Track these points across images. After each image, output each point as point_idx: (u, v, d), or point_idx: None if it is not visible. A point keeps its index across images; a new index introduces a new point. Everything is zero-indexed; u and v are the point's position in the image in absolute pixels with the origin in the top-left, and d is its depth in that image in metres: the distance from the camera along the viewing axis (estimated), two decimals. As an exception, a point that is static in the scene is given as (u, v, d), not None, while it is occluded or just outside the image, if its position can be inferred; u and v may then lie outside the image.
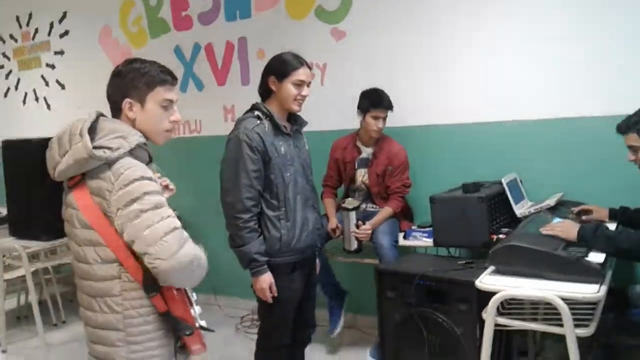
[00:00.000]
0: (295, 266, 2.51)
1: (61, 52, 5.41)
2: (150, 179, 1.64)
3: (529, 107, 3.29)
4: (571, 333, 2.11)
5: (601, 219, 2.73)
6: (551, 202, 2.94)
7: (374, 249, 3.32)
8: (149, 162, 1.73)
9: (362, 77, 3.74)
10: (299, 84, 2.44)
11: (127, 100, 1.71)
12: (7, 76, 5.93)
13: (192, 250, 1.62)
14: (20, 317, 4.70)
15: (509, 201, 3.03)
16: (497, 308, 2.23)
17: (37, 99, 5.68)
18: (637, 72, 3.01)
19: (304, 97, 2.47)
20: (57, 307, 4.59)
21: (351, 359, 3.54)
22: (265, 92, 2.50)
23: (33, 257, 4.59)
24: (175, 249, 1.57)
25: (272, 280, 2.43)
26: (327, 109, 3.93)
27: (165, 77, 1.75)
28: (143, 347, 1.68)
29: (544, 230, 2.44)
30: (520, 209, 3.03)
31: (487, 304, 2.28)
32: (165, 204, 1.65)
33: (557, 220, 2.59)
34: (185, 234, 1.63)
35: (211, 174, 4.61)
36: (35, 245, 3.83)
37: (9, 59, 5.87)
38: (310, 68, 2.51)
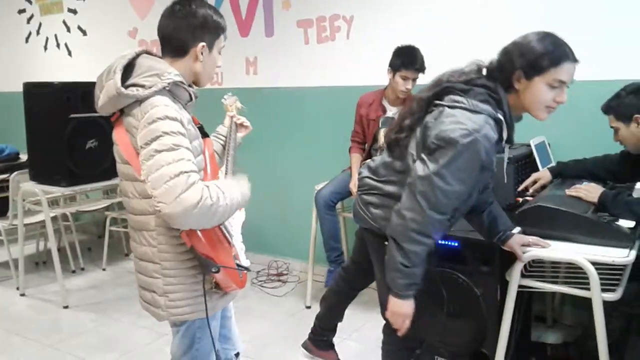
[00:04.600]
0: None
1: (83, -2, 5.31)
2: (174, 119, 1.61)
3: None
4: (598, 297, 2.07)
5: (547, 182, 2.78)
6: (579, 166, 2.87)
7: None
8: (189, 101, 1.75)
9: (391, 33, 3.64)
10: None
11: (202, 44, 1.73)
12: (28, 20, 5.85)
13: (197, 196, 1.53)
14: (38, 263, 4.76)
15: (536, 164, 2.97)
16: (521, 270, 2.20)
17: (58, 44, 5.62)
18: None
19: None
20: (76, 254, 4.64)
21: (367, 317, 3.54)
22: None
23: (53, 203, 4.63)
24: (177, 193, 1.52)
25: None
26: (353, 64, 3.85)
27: (225, 24, 1.82)
28: (176, 280, 1.74)
29: (569, 191, 2.41)
30: (547, 173, 2.96)
31: (508, 265, 2.24)
32: (184, 145, 1.60)
33: (584, 183, 2.53)
34: (193, 178, 1.56)
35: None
36: (56, 191, 3.83)
37: (30, 2, 5.77)
38: None
